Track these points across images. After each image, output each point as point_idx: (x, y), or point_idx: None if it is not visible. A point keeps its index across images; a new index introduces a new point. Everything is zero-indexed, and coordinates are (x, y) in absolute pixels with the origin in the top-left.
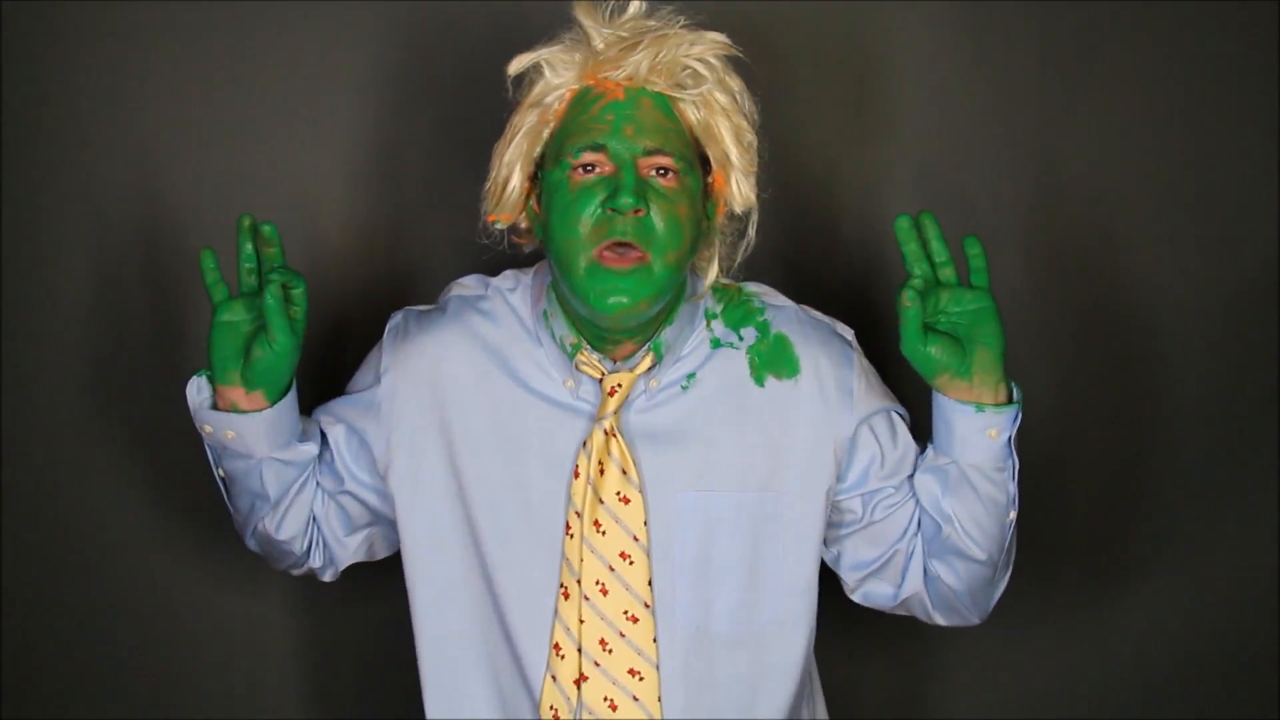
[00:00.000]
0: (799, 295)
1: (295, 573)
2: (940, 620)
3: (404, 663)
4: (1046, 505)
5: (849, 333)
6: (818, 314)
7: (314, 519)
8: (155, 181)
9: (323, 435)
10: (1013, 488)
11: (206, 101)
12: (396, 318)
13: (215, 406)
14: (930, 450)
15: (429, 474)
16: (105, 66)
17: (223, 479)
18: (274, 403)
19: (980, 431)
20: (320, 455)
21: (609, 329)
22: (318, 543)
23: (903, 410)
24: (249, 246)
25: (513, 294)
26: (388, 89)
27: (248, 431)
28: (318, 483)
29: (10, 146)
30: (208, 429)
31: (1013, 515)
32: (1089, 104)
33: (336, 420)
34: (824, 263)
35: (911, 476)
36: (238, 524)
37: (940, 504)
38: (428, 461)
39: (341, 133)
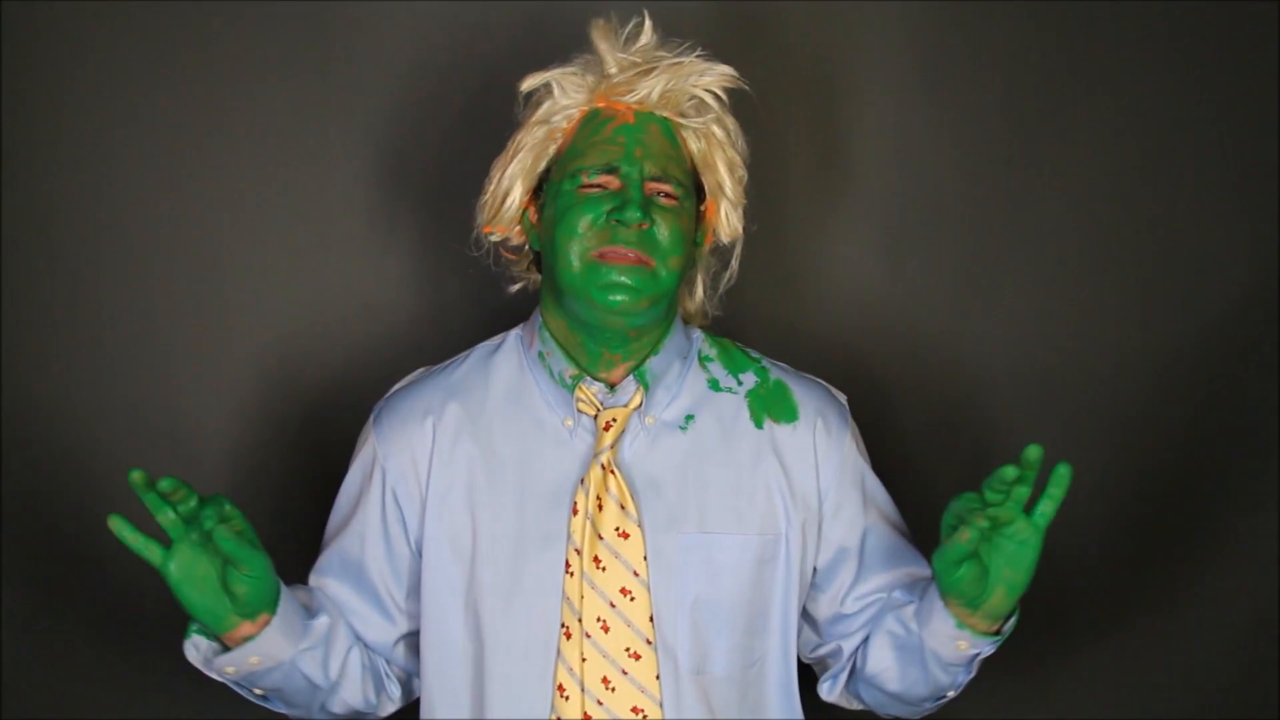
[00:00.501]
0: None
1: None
2: (856, 708)
3: None
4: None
5: (843, 397)
6: (811, 376)
7: (385, 674)
8: (158, 187)
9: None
10: (963, 680)
11: (196, 139)
12: (378, 407)
13: (225, 647)
14: (911, 604)
15: (450, 534)
16: (108, 70)
17: (264, 696)
18: (276, 610)
19: (951, 639)
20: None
21: (608, 325)
22: (390, 685)
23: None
24: (152, 498)
25: (500, 348)
26: (387, 127)
27: (268, 647)
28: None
29: (10, 147)
30: (230, 670)
31: (951, 695)
32: (1052, 158)
33: (367, 566)
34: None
35: (879, 571)
36: (300, 717)
37: (884, 652)
38: (447, 523)
39: (357, 143)
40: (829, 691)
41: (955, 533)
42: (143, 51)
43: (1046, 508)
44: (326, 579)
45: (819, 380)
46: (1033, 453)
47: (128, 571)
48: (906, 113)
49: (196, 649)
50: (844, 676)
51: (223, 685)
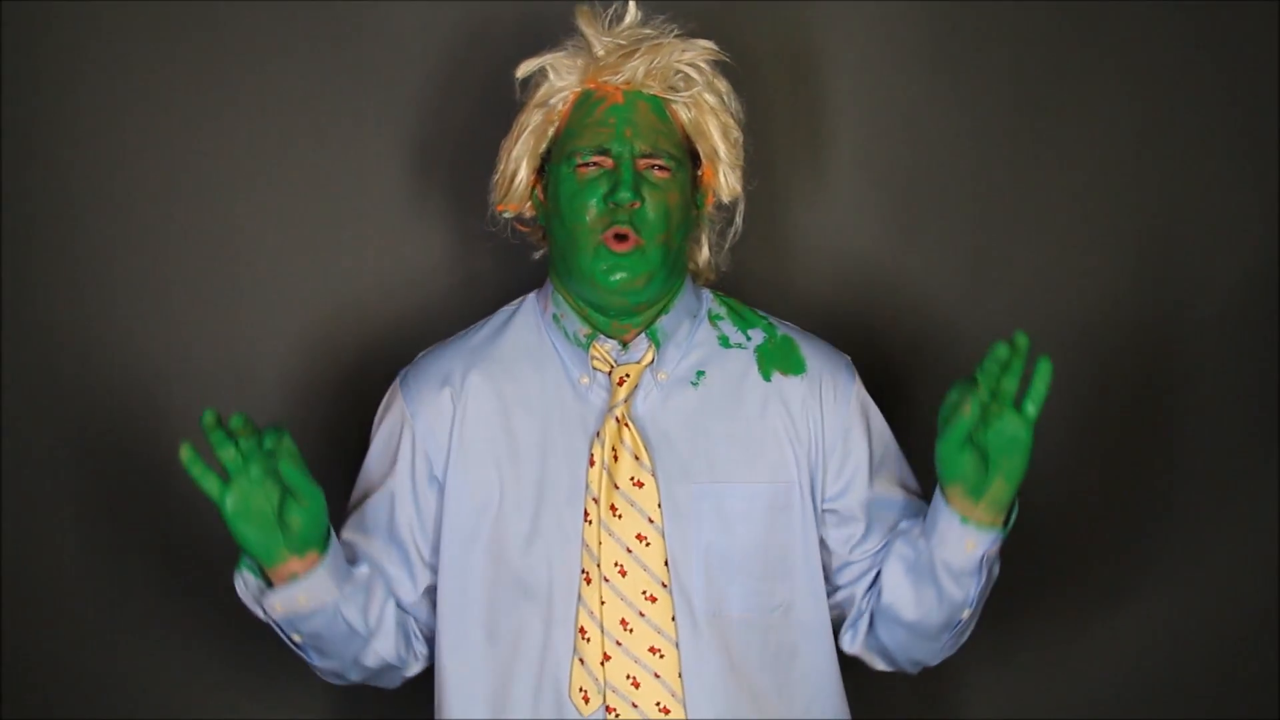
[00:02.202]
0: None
1: (401, 681)
2: (879, 667)
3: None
4: (1055, 507)
5: (847, 358)
6: (817, 336)
7: (413, 633)
8: (167, 186)
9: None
10: (975, 593)
11: (222, 104)
12: (404, 372)
13: (270, 584)
14: (918, 524)
15: (473, 486)
16: (113, 69)
17: (300, 644)
18: (326, 548)
19: (959, 539)
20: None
21: (612, 305)
22: (417, 644)
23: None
24: (218, 435)
25: (518, 310)
26: (414, 101)
27: (316, 585)
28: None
29: (10, 147)
30: (279, 608)
31: (966, 614)
32: (1060, 129)
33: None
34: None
35: (887, 527)
36: (332, 671)
37: (897, 578)
38: (471, 477)
39: (370, 137)
40: (850, 643)
41: (957, 408)
42: (155, 52)
43: (1033, 403)
44: (357, 535)
45: (824, 341)
46: (1021, 340)
47: (125, 569)
48: (913, 83)
49: (245, 585)
50: (863, 625)
51: (228, 687)
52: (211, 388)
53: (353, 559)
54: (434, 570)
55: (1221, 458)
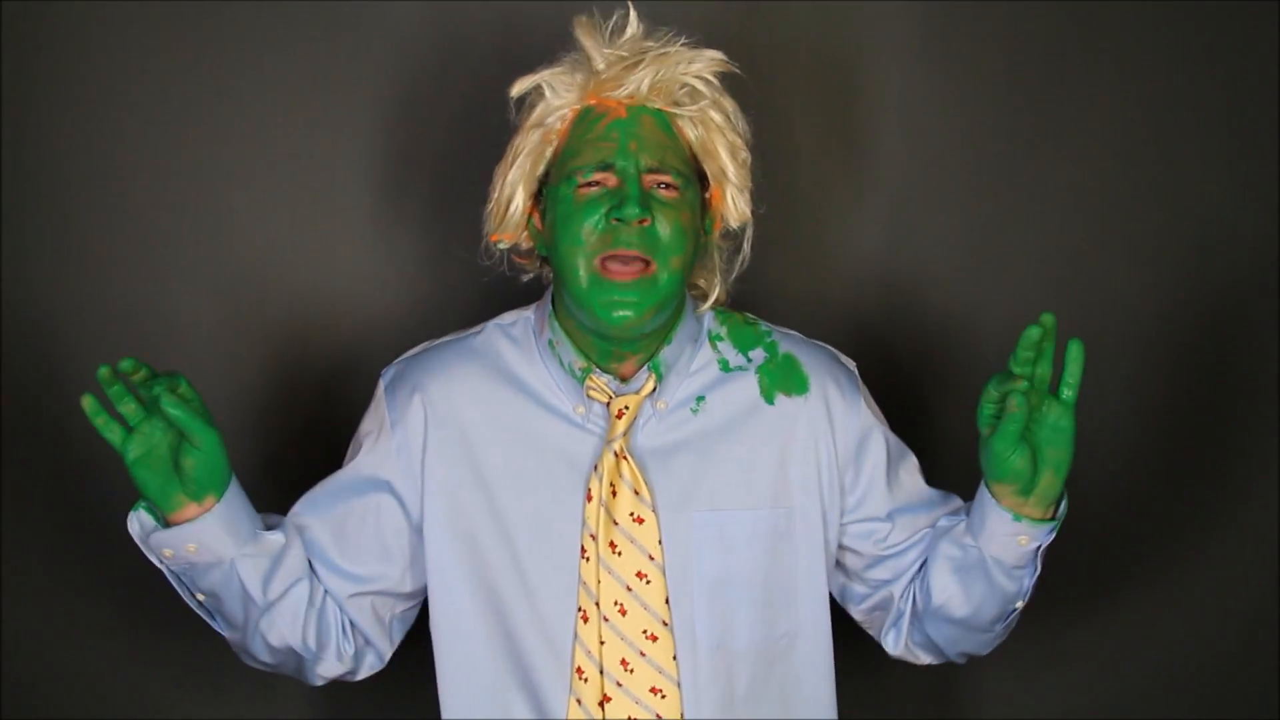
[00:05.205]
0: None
1: (320, 681)
2: (925, 661)
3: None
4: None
5: (851, 364)
6: (819, 342)
7: (348, 624)
8: (165, 161)
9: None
10: (1028, 584)
11: (208, 107)
12: (389, 371)
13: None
14: (961, 522)
15: (453, 515)
16: (106, 71)
17: (203, 603)
18: (221, 496)
19: (1011, 535)
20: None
21: (615, 340)
22: (344, 642)
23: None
24: (117, 389)
25: (513, 327)
26: (398, 102)
27: (207, 534)
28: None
29: (18, 116)
30: (167, 553)
31: (1020, 605)
32: (1060, 127)
33: (350, 503)
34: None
35: (913, 520)
36: (238, 644)
37: (945, 578)
38: (448, 502)
39: (353, 134)
40: (895, 644)
41: (1003, 406)
42: (142, 57)
43: (1069, 387)
44: (308, 516)
45: (827, 346)
46: (1049, 319)
47: (122, 568)
48: (915, 85)
49: (141, 525)
50: (905, 624)
51: (228, 687)
52: (195, 377)
53: (281, 527)
54: (370, 581)
55: (1221, 457)
